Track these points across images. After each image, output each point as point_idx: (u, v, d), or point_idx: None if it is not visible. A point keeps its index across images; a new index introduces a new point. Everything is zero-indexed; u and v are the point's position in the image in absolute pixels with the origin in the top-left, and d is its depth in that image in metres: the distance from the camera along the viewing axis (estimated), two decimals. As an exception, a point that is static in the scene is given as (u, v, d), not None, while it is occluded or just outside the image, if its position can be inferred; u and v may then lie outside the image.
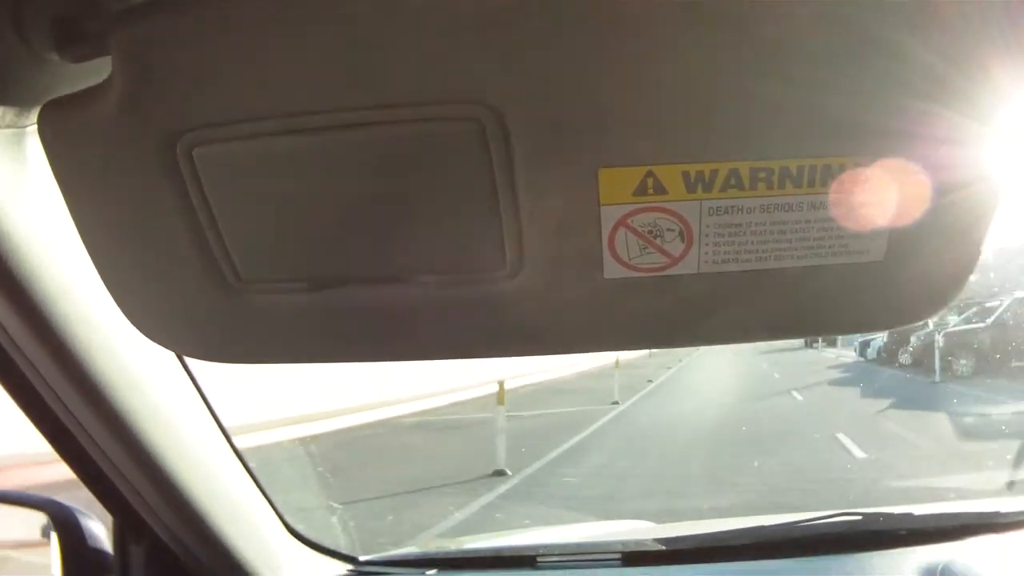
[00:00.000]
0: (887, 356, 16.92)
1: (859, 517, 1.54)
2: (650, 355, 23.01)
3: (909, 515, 1.54)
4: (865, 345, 19.08)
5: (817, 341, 26.11)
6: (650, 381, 17.46)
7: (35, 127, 0.65)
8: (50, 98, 0.63)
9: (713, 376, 18.13)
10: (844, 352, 22.84)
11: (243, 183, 0.62)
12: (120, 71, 0.58)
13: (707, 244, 0.61)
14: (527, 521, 5.62)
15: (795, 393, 12.90)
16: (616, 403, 13.01)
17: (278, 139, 0.59)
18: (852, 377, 15.93)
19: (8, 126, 0.76)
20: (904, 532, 1.49)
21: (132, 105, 0.59)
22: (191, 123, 0.59)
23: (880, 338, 17.52)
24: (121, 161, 0.62)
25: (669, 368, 21.55)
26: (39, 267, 0.87)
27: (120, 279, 0.70)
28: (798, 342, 26.98)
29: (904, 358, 15.28)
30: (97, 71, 0.63)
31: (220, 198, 0.62)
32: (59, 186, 0.66)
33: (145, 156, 0.61)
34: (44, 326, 0.91)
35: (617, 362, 16.00)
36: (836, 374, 16.99)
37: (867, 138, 0.57)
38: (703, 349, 23.21)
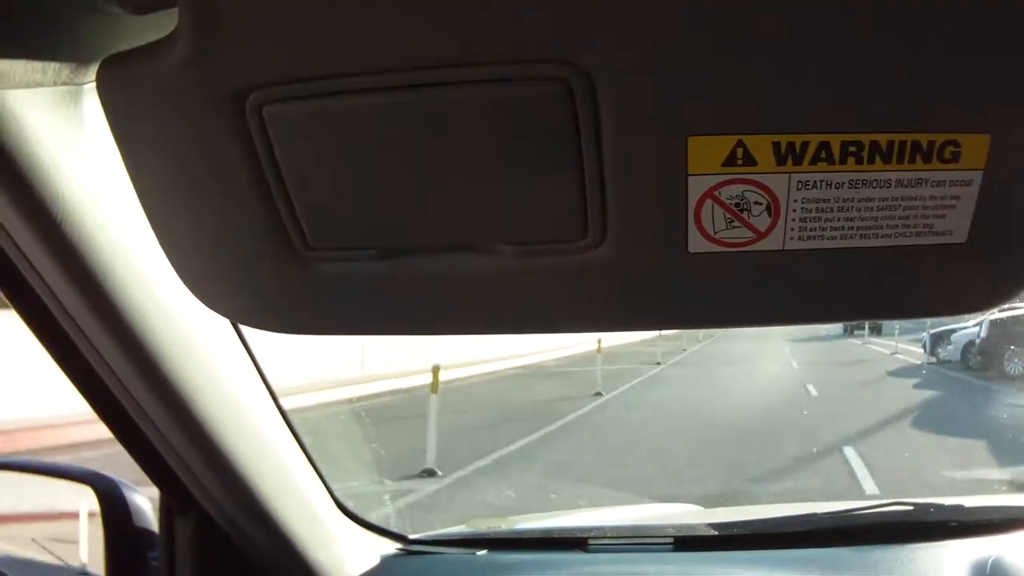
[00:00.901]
0: (983, 360, 10.80)
1: (911, 507, 1.53)
2: (659, 336, 21.50)
3: (960, 507, 1.53)
4: (940, 340, 12.96)
5: (862, 328, 23.77)
6: (652, 365, 17.29)
7: (94, 84, 0.63)
8: (110, 53, 0.61)
9: (716, 381, 13.94)
10: (900, 345, 18.44)
11: (314, 144, 0.59)
12: (187, 23, 0.55)
13: (793, 219, 0.58)
14: (581, 502, 5.59)
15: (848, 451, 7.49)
16: (599, 394, 12.08)
17: (353, 98, 0.56)
18: (950, 406, 9.56)
19: (65, 83, 0.74)
20: (955, 524, 1.48)
21: (199, 60, 0.56)
22: (262, 79, 0.57)
23: (968, 328, 11.84)
24: (185, 119, 0.60)
25: (674, 355, 19.55)
26: (95, 230, 0.85)
27: (179, 243, 0.68)
28: (837, 328, 24.68)
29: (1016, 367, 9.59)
30: (161, 24, 0.60)
31: (290, 159, 0.60)
32: (118, 146, 0.63)
33: (211, 114, 0.58)
34: (97, 291, 0.89)
35: (599, 347, 14.64)
36: (914, 393, 10.72)
37: (960, 116, 0.55)
38: (720, 334, 22.99)
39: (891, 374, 13.42)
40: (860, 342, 21.77)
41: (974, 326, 12.07)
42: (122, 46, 0.61)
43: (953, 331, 12.42)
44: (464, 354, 14.07)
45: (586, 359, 15.49)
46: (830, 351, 19.82)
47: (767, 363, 16.23)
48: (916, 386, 11.54)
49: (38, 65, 0.71)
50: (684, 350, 21.37)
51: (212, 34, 0.55)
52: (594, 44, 0.53)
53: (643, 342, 21.76)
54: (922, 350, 14.55)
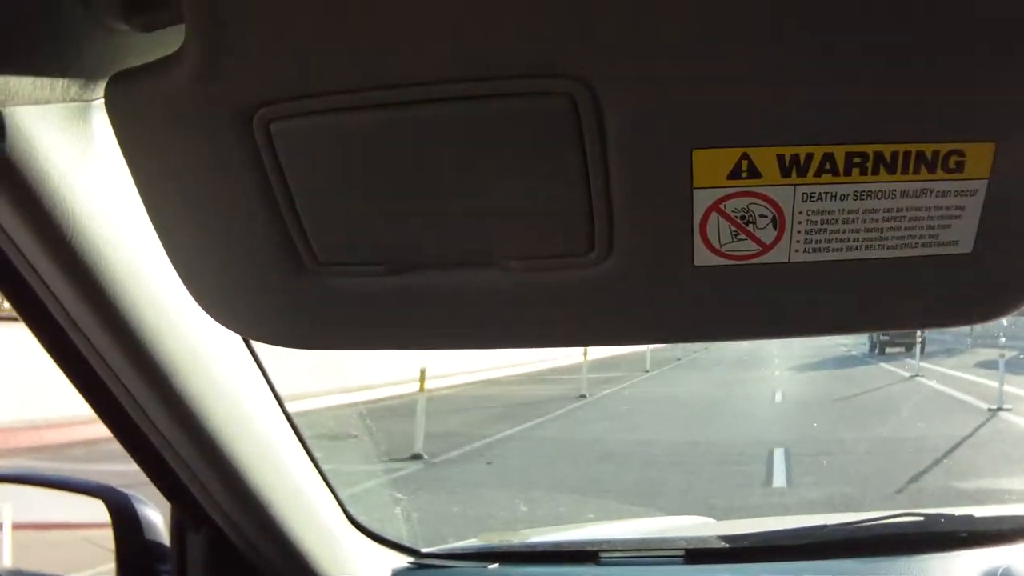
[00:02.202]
0: None
1: (921, 518, 1.53)
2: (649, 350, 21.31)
3: (970, 517, 1.53)
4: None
5: (900, 345, 18.13)
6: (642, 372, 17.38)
7: (102, 101, 0.63)
8: (118, 70, 0.61)
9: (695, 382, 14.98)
10: (951, 369, 13.08)
11: (322, 159, 0.59)
12: (194, 40, 0.55)
13: (799, 232, 0.58)
14: (591, 515, 5.67)
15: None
16: (583, 396, 13.44)
17: (360, 114, 0.56)
18: None
19: (73, 99, 0.74)
20: (965, 534, 1.47)
21: (206, 76, 0.56)
22: (269, 96, 0.57)
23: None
24: (193, 136, 0.60)
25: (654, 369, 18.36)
26: (104, 246, 0.86)
27: (189, 260, 0.68)
28: (860, 341, 20.51)
29: None
30: (168, 41, 0.60)
31: (298, 175, 0.60)
32: (127, 162, 0.63)
33: (219, 130, 0.59)
34: (108, 308, 0.90)
35: (585, 355, 15.60)
36: None
37: (964, 125, 0.54)
38: (712, 350, 21.35)
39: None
40: (905, 372, 14.16)
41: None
42: (130, 63, 0.61)
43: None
44: (461, 363, 14.77)
45: (579, 368, 15.36)
46: (860, 391, 12.70)
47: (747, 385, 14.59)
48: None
49: (46, 82, 0.71)
50: (678, 359, 21.30)
51: (219, 51, 0.55)
52: (598, 58, 0.53)
53: (635, 352, 20.74)
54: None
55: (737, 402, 12.42)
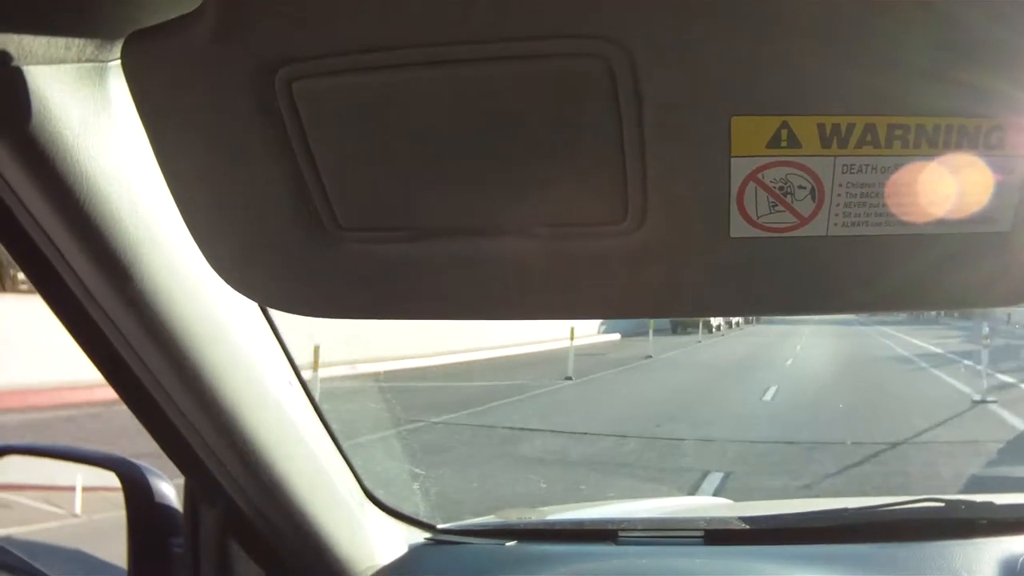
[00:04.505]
0: None
1: (941, 504, 1.52)
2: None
3: (991, 504, 1.51)
4: None
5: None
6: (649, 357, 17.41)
7: (118, 61, 0.62)
8: (135, 29, 0.59)
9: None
10: None
11: (346, 121, 0.58)
12: None
13: (838, 205, 0.57)
14: (611, 494, 5.73)
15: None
16: (569, 378, 13.37)
17: (385, 73, 0.55)
18: None
19: (89, 60, 0.73)
20: (985, 521, 1.46)
21: (227, 34, 0.55)
22: (292, 54, 0.55)
23: None
24: (212, 96, 0.58)
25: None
26: (119, 210, 0.84)
27: (206, 225, 0.66)
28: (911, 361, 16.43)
29: None
30: None
31: (320, 137, 0.58)
32: (143, 124, 0.62)
33: (239, 91, 0.57)
34: (122, 272, 0.88)
35: (572, 334, 15.29)
36: None
37: (1006, 101, 0.54)
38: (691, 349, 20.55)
39: None
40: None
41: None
42: (147, 22, 0.60)
43: None
44: (458, 342, 15.09)
45: (579, 350, 15.34)
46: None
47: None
48: None
49: (61, 41, 0.70)
50: (699, 342, 21.48)
51: (240, 7, 0.54)
52: (636, 20, 0.51)
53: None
54: None
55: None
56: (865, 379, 13.69)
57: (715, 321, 26.11)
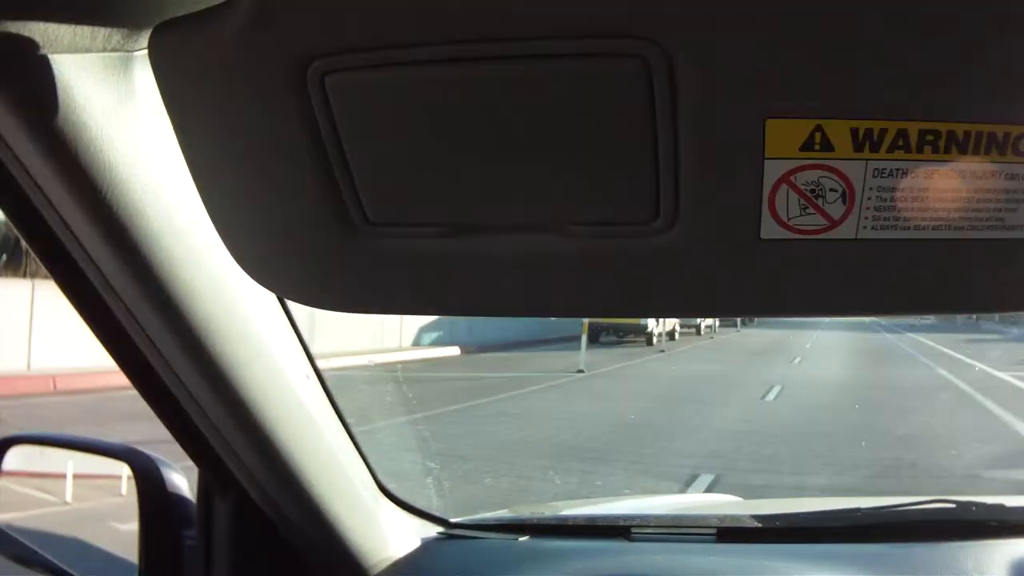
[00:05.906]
0: None
1: (953, 505, 1.52)
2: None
3: (1002, 506, 1.53)
4: None
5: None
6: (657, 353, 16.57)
7: (145, 51, 0.61)
8: (163, 19, 0.59)
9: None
10: None
11: (378, 116, 0.57)
12: None
13: (868, 208, 0.57)
14: (626, 491, 5.69)
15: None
16: (581, 371, 13.14)
17: (419, 69, 0.54)
18: None
19: (116, 49, 0.73)
20: (995, 523, 1.47)
21: (258, 26, 0.54)
22: (325, 47, 0.55)
23: None
24: (242, 89, 0.58)
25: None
26: (143, 202, 0.84)
27: (231, 218, 0.66)
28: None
29: None
30: None
31: (352, 131, 0.58)
32: (169, 115, 0.61)
33: (270, 83, 0.56)
34: (144, 263, 0.88)
35: (585, 326, 14.45)
36: None
37: None
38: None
39: None
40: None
41: None
42: (176, 12, 0.59)
43: None
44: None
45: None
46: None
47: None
48: None
49: (88, 30, 0.69)
50: (712, 337, 20.74)
51: None
52: (674, 20, 0.51)
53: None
54: None
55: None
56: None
57: (669, 324, 18.61)
